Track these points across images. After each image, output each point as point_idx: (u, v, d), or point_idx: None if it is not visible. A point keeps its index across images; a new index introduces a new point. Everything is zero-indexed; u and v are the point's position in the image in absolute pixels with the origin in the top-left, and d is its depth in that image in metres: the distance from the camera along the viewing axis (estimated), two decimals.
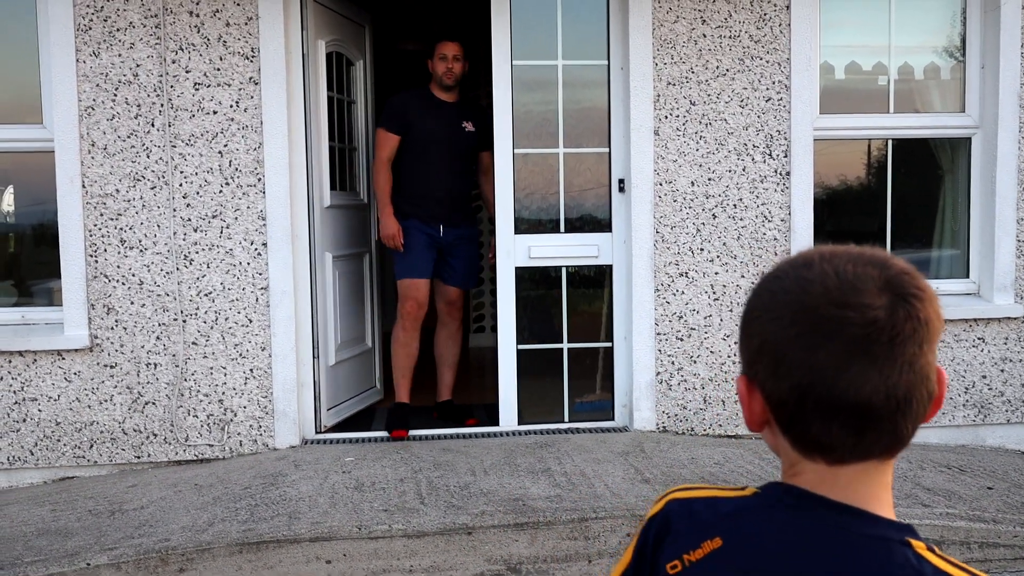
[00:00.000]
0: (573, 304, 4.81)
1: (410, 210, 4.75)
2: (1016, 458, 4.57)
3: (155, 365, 4.40)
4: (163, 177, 4.36)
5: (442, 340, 5.00)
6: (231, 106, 4.37)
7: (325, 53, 4.78)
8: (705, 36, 4.58)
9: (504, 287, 4.71)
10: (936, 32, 4.94)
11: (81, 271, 4.34)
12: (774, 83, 4.63)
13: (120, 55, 4.31)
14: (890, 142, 4.96)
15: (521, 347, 4.74)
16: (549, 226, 4.78)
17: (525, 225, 4.76)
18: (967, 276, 4.96)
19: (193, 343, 4.41)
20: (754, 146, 4.63)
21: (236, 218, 4.40)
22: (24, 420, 4.35)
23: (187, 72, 4.34)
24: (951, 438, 4.81)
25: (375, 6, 5.55)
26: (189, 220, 4.39)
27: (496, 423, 4.75)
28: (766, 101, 4.63)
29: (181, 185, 4.37)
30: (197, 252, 4.39)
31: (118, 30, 4.31)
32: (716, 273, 4.64)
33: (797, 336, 0.88)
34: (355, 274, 5.18)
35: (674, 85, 4.58)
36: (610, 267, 4.75)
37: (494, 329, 5.05)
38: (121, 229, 4.36)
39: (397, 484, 3.83)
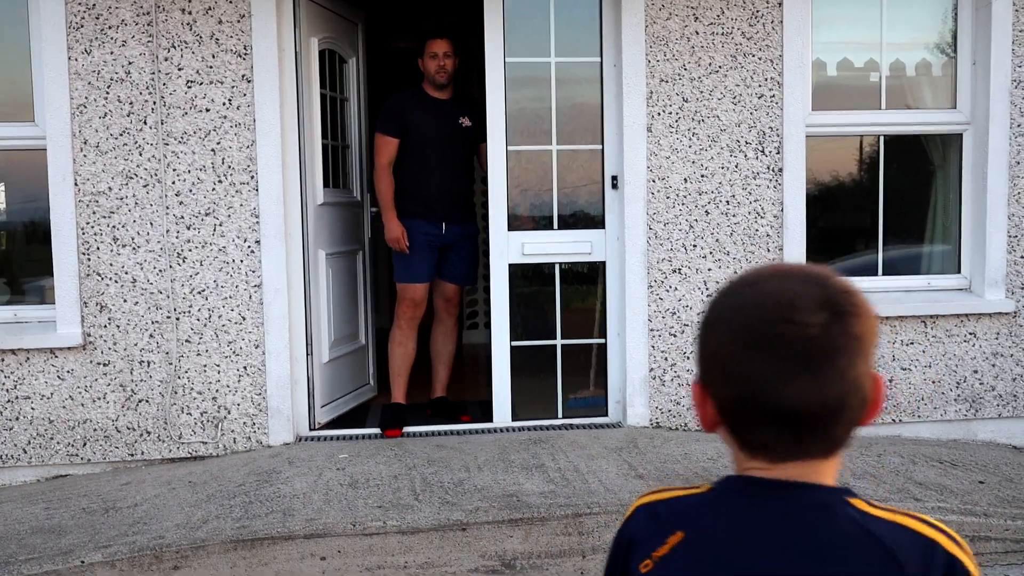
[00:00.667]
0: (567, 301, 4.82)
1: (412, 209, 4.76)
2: (1007, 452, 4.59)
3: (148, 363, 4.40)
4: (156, 175, 4.36)
5: (438, 337, 5.01)
6: (224, 104, 4.36)
7: (318, 51, 4.77)
8: (698, 33, 4.59)
9: (497, 284, 4.72)
10: (927, 28, 4.96)
11: (74, 269, 4.33)
12: (767, 80, 4.64)
13: (112, 53, 4.30)
14: (882, 138, 4.97)
15: (515, 344, 4.75)
16: (542, 223, 4.79)
17: (518, 222, 4.77)
18: (958, 271, 4.98)
19: (186, 341, 4.41)
20: (747, 143, 4.64)
21: (229, 216, 4.40)
22: (17, 418, 4.34)
23: (179, 70, 4.34)
24: (943, 433, 4.83)
25: (368, 4, 5.55)
26: (182, 218, 4.38)
27: (490, 419, 4.76)
28: (759, 98, 4.64)
29: (174, 183, 4.37)
30: (190, 250, 4.39)
31: (110, 27, 4.30)
32: (709, 269, 4.65)
33: (743, 348, 0.97)
34: (348, 271, 5.18)
35: (667, 82, 4.59)
36: (603, 264, 4.76)
37: (488, 326, 5.06)
38: (114, 227, 4.35)
39: (391, 481, 3.84)
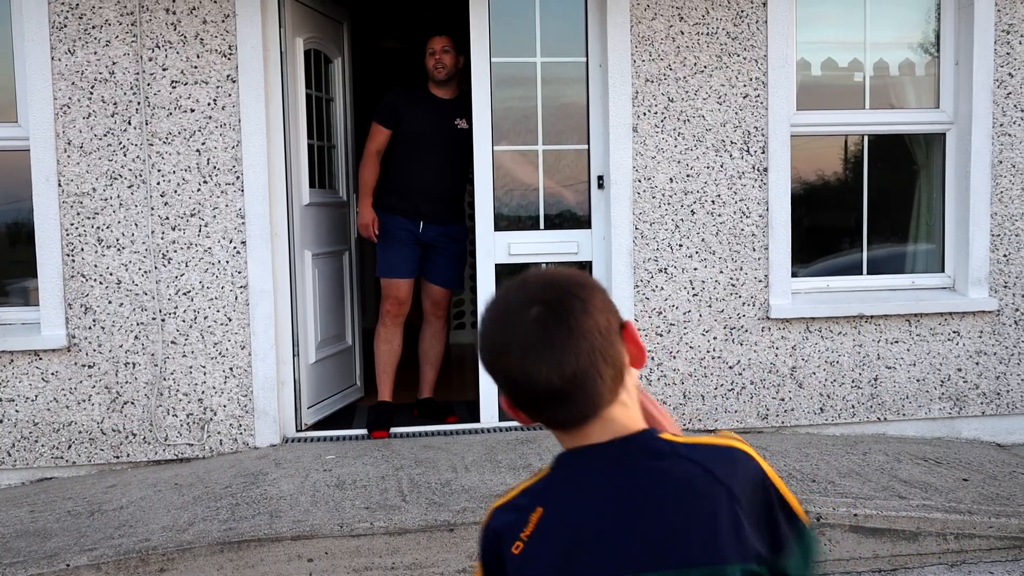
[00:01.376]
0: None
1: (394, 204, 4.77)
2: (991, 450, 4.63)
3: (134, 365, 4.38)
4: (140, 175, 4.34)
5: (426, 338, 5.01)
6: (209, 104, 4.35)
7: (303, 50, 4.76)
8: (683, 33, 4.60)
9: (484, 284, 4.72)
10: (911, 28, 4.99)
11: (58, 270, 4.31)
12: (751, 80, 4.65)
13: (96, 53, 4.28)
14: (866, 138, 5.00)
15: None
16: (528, 223, 4.79)
17: (504, 222, 4.77)
18: (942, 270, 5.01)
19: (172, 342, 4.39)
20: (732, 142, 4.66)
21: (215, 216, 4.38)
22: (1, 421, 4.31)
23: (164, 70, 4.32)
24: (927, 431, 4.86)
25: (354, 3, 5.54)
26: (167, 219, 4.36)
27: (477, 420, 4.76)
28: (743, 98, 4.65)
29: (159, 183, 4.35)
30: (175, 251, 4.37)
31: (93, 27, 4.27)
32: (695, 269, 4.67)
33: (495, 356, 1.16)
34: (335, 272, 5.17)
35: (652, 82, 4.60)
36: (589, 263, 4.77)
37: (474, 326, 5.07)
38: (98, 228, 4.33)
39: (379, 482, 3.84)
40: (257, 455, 4.34)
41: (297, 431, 4.64)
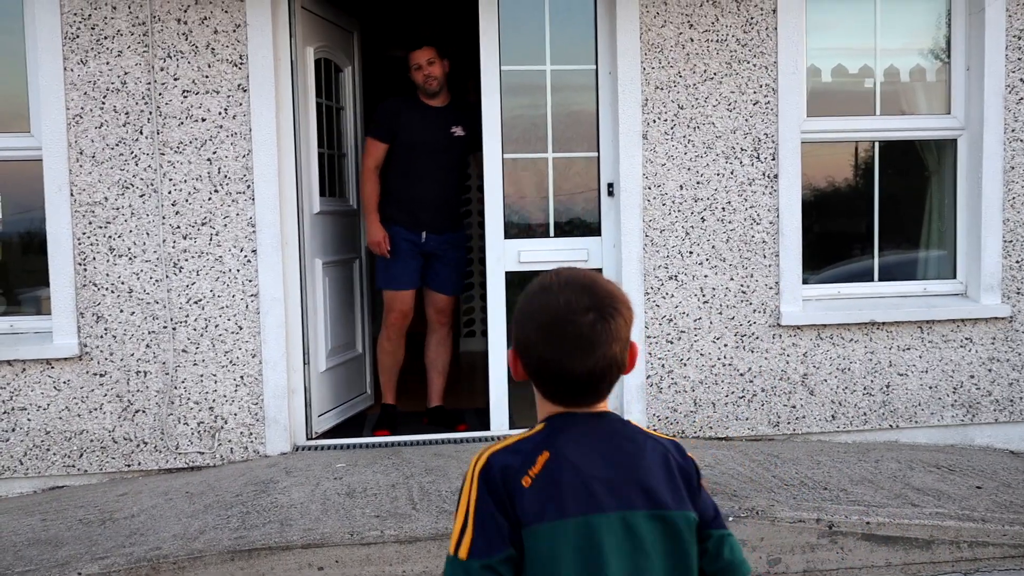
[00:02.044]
0: None
1: (395, 216, 4.80)
2: (1004, 457, 4.59)
3: (145, 373, 4.39)
4: (152, 185, 4.36)
5: (432, 347, 5.01)
6: (220, 113, 4.37)
7: (314, 60, 4.78)
8: (692, 40, 4.60)
9: (494, 292, 4.72)
10: (921, 34, 4.98)
11: (70, 279, 4.33)
12: (761, 86, 4.65)
13: (108, 63, 4.31)
14: (877, 144, 4.99)
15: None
16: (539, 230, 4.79)
17: (515, 230, 4.77)
18: (954, 277, 4.99)
19: (183, 351, 4.41)
20: (742, 149, 4.65)
21: (225, 225, 4.40)
22: (13, 430, 4.33)
23: (175, 80, 4.34)
24: (940, 438, 4.83)
25: (364, 13, 5.56)
26: (178, 227, 4.38)
27: (487, 428, 4.76)
28: (753, 104, 4.65)
29: (170, 192, 4.37)
30: (186, 259, 4.39)
31: (106, 38, 4.30)
32: (706, 276, 4.66)
33: (539, 339, 1.45)
34: (345, 280, 5.18)
35: (662, 89, 4.59)
36: (600, 271, 4.76)
37: (485, 334, 5.05)
38: (110, 237, 4.35)
39: (389, 490, 3.83)
40: (268, 463, 4.34)
41: (308, 439, 4.65)
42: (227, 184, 4.39)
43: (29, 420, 4.34)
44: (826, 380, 4.75)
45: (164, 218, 4.37)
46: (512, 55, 4.68)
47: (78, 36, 4.29)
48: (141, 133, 4.34)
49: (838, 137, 4.92)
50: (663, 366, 4.66)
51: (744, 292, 4.69)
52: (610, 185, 4.68)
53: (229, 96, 4.37)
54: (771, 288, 4.70)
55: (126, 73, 4.32)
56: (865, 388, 4.77)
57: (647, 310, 4.63)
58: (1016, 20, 4.77)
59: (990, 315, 4.81)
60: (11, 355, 4.30)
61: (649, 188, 4.61)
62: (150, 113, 4.33)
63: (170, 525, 3.57)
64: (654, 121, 4.60)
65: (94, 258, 4.35)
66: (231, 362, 4.43)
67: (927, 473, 4.15)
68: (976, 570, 3.37)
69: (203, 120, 4.36)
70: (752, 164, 4.66)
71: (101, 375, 4.37)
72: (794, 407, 4.73)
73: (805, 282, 4.82)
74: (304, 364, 4.63)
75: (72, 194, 4.32)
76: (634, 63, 4.56)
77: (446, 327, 5.01)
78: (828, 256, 5.05)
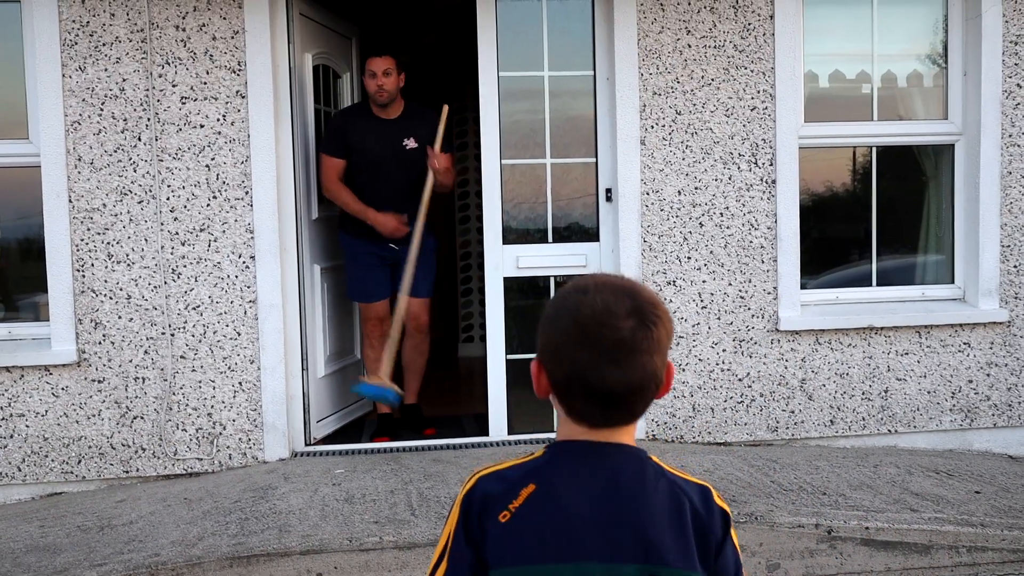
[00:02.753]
0: None
1: (358, 230, 4.69)
2: (1003, 462, 4.59)
3: (143, 379, 4.39)
4: (150, 191, 4.36)
5: (408, 351, 4.88)
6: (218, 119, 4.37)
7: (312, 66, 4.78)
8: (690, 46, 4.61)
9: (492, 297, 4.72)
10: (918, 39, 4.99)
11: (68, 286, 4.33)
12: (759, 92, 4.66)
13: (106, 69, 4.31)
14: (874, 149, 5.00)
15: (510, 357, 4.74)
16: (537, 236, 4.80)
17: (513, 235, 4.78)
18: (952, 282, 4.99)
19: (181, 357, 4.40)
20: (740, 155, 4.66)
21: (224, 231, 4.40)
22: (11, 436, 4.33)
23: (174, 86, 4.34)
24: (938, 443, 4.84)
25: (362, 19, 5.57)
26: (176, 234, 4.38)
27: (486, 433, 4.76)
28: (751, 110, 4.66)
29: (168, 199, 4.37)
30: (185, 266, 4.39)
31: (104, 44, 4.31)
32: (704, 281, 4.66)
33: (571, 342, 1.26)
34: (343, 286, 5.18)
35: (660, 95, 4.60)
36: None
37: (483, 339, 5.05)
38: (108, 243, 4.35)
39: (388, 496, 3.83)
40: (266, 469, 4.34)
41: (306, 445, 4.64)
42: (225, 190, 4.39)
43: (27, 426, 4.33)
44: (824, 385, 4.75)
45: (162, 224, 4.37)
46: (510, 61, 4.69)
47: (76, 43, 4.29)
48: (139, 139, 4.34)
49: (835, 143, 4.93)
50: None
51: (742, 297, 4.69)
52: (608, 191, 4.69)
53: (227, 102, 4.37)
54: (769, 293, 4.70)
55: (124, 80, 4.32)
56: (864, 393, 4.77)
57: None
58: (1013, 25, 4.78)
59: (988, 320, 4.81)
60: (9, 361, 4.30)
61: (647, 194, 4.61)
62: (148, 119, 4.34)
63: (168, 531, 3.57)
64: (652, 127, 4.60)
65: (92, 264, 4.35)
66: (229, 368, 4.43)
67: (926, 478, 4.15)
68: (975, 575, 3.37)
69: (201, 126, 4.36)
70: (750, 170, 4.67)
71: (99, 381, 4.37)
72: (793, 412, 4.73)
73: (803, 287, 4.82)
74: (303, 370, 4.63)
75: (70, 200, 4.32)
76: (632, 69, 4.57)
77: (422, 332, 4.86)
78: (826, 261, 5.05)
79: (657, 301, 1.30)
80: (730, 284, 4.68)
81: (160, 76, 4.33)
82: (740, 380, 4.70)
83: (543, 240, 4.78)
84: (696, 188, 4.64)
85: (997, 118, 4.78)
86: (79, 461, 4.36)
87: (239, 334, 4.43)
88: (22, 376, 4.33)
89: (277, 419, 4.46)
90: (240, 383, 4.43)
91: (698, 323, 4.67)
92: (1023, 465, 4.55)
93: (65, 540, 3.59)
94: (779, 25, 4.64)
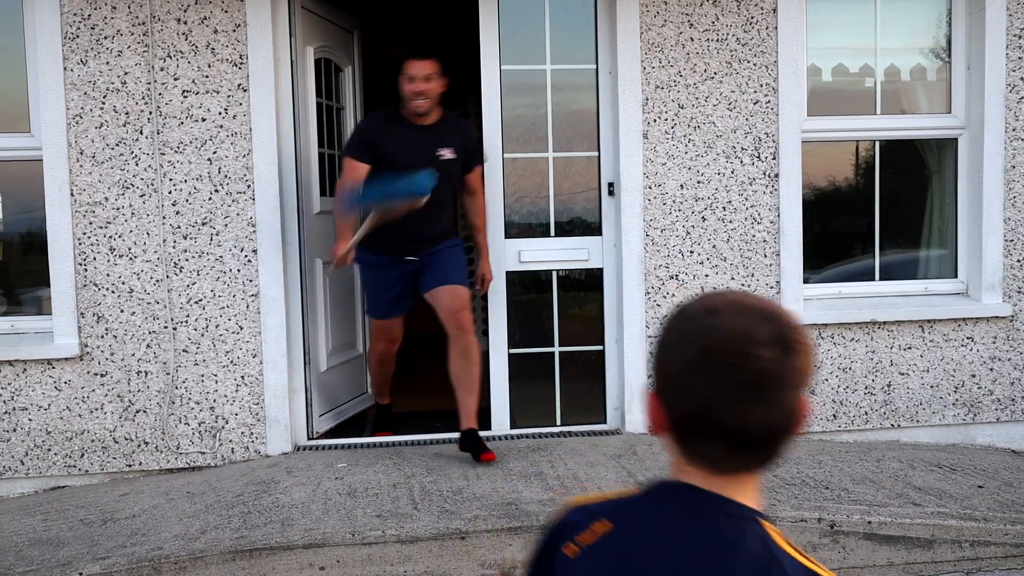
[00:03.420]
0: (564, 308, 4.82)
1: (375, 246, 4.27)
2: (1006, 456, 4.59)
3: (146, 373, 4.39)
4: (152, 185, 4.35)
5: (455, 359, 4.20)
6: (220, 113, 4.36)
7: (314, 59, 4.78)
8: (692, 40, 4.60)
9: (495, 291, 4.72)
10: (922, 33, 4.97)
11: (70, 279, 4.33)
12: (762, 86, 4.64)
13: (108, 63, 4.30)
14: (877, 143, 4.98)
15: (512, 351, 4.74)
16: (539, 230, 4.79)
17: (515, 229, 4.77)
18: (955, 276, 4.98)
19: (184, 351, 4.40)
20: (743, 148, 4.65)
21: (226, 225, 4.40)
22: (15, 430, 4.33)
23: (175, 79, 4.34)
24: (941, 437, 4.83)
25: (364, 12, 5.56)
26: (179, 227, 4.38)
27: (488, 427, 4.75)
28: (754, 104, 4.65)
29: (170, 192, 4.37)
30: (187, 259, 4.39)
31: (105, 38, 4.30)
32: (706, 275, 4.65)
33: (700, 372, 1.07)
34: (345, 280, 5.18)
35: (662, 88, 4.59)
36: (600, 270, 4.76)
37: (485, 333, 5.06)
38: (110, 237, 4.35)
39: (390, 490, 3.83)
40: (269, 463, 4.34)
41: (309, 439, 4.64)
42: (227, 184, 4.39)
43: (30, 420, 4.34)
44: (827, 379, 4.75)
45: (164, 218, 4.37)
46: (512, 55, 4.68)
47: (78, 36, 4.28)
48: (141, 133, 4.33)
49: (839, 136, 4.92)
50: None
51: (745, 291, 4.67)
52: (611, 184, 4.68)
53: (229, 96, 4.36)
54: (772, 287, 4.70)
55: (126, 73, 4.31)
56: (866, 387, 4.77)
57: (648, 310, 4.63)
58: (1016, 19, 4.76)
59: (991, 314, 4.80)
60: (12, 355, 4.30)
61: (650, 187, 4.60)
62: (150, 113, 4.33)
63: (171, 525, 3.57)
64: (654, 120, 4.59)
65: (94, 258, 4.34)
66: (232, 362, 4.43)
67: (929, 472, 4.15)
68: (978, 569, 3.37)
69: (203, 120, 4.36)
70: (753, 163, 4.66)
71: (102, 375, 4.37)
72: None
73: (806, 281, 4.81)
74: (305, 364, 4.63)
75: (72, 194, 4.32)
76: (634, 62, 4.56)
77: (467, 332, 4.21)
78: (829, 255, 5.04)
79: (799, 325, 1.11)
80: (732, 278, 4.67)
81: (162, 69, 4.33)
82: None
83: (545, 234, 4.78)
84: (699, 182, 4.63)
85: (1001, 112, 4.77)
86: (82, 455, 4.36)
87: (241, 328, 4.42)
88: (25, 370, 4.33)
89: (279, 413, 4.46)
90: (242, 377, 4.43)
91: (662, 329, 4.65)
92: None
93: (68, 533, 3.59)
94: (782, 18, 4.62)
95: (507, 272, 4.72)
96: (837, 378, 4.75)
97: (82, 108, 4.30)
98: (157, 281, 4.37)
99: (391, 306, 4.43)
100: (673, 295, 4.64)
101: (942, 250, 5.07)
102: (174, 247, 4.38)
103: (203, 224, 4.39)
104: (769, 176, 4.67)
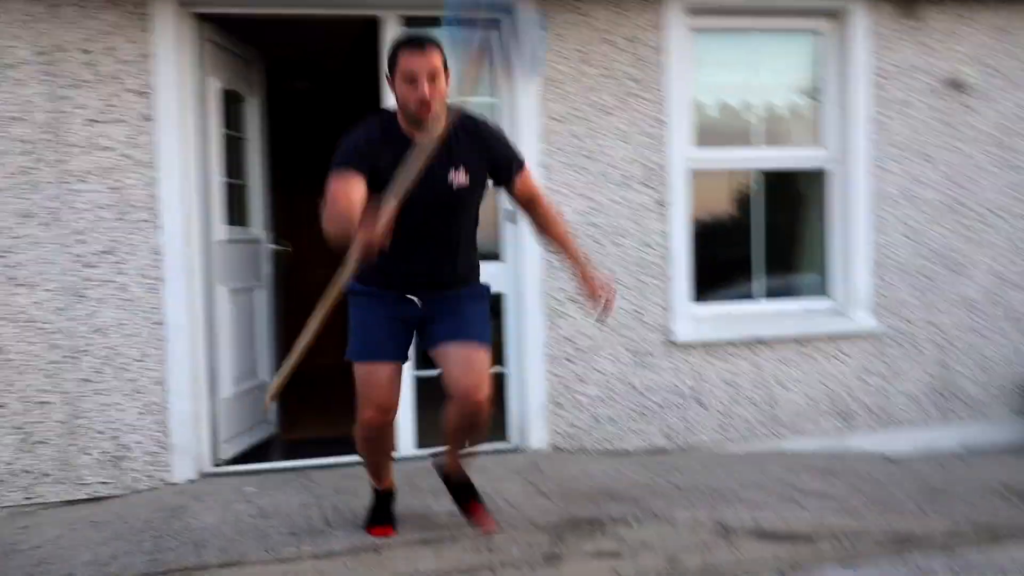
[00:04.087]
0: None
1: (374, 279, 3.26)
2: (879, 461, 4.96)
3: (46, 404, 4.33)
4: (55, 213, 4.33)
5: (452, 415, 3.30)
6: (124, 142, 4.38)
7: (219, 90, 4.84)
8: (588, 76, 4.87)
9: None
10: (797, 72, 5.38)
11: None
12: (652, 119, 4.94)
13: (10, 92, 4.28)
14: (758, 173, 5.35)
15: (418, 374, 4.86)
16: None
17: None
18: (830, 296, 5.37)
19: (86, 380, 4.37)
20: (634, 178, 4.93)
21: (130, 253, 4.40)
22: None
23: (80, 109, 4.34)
24: (821, 446, 5.18)
25: (267, 45, 5.65)
26: (81, 256, 4.36)
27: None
28: (645, 136, 4.94)
29: (74, 221, 4.35)
30: (90, 288, 4.37)
31: (7, 66, 4.27)
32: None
33: None
34: (247, 308, 5.22)
35: (560, 121, 4.84)
36: (503, 295, 4.94)
37: None
38: (9, 267, 4.30)
39: (301, 509, 3.89)
40: (175, 491, 4.33)
41: (214, 466, 4.65)
42: (132, 212, 4.40)
43: None
44: (715, 394, 5.04)
45: (67, 247, 4.34)
46: None
47: None
48: (44, 162, 4.31)
49: (723, 166, 5.28)
50: (564, 385, 4.86)
51: (639, 312, 4.94)
52: (511, 212, 4.88)
53: (134, 125, 4.39)
54: (663, 308, 4.97)
55: (28, 102, 4.30)
56: (752, 401, 5.08)
57: (548, 331, 4.84)
58: (878, 59, 5.22)
59: (862, 331, 5.20)
60: None
61: None
62: (53, 142, 4.32)
63: (79, 553, 3.55)
64: (554, 152, 4.83)
65: None
66: (136, 390, 4.42)
67: (811, 477, 4.46)
68: (854, 558, 3.65)
69: (108, 149, 4.37)
70: (644, 192, 4.94)
71: (0, 407, 4.29)
72: (687, 420, 5.00)
73: (695, 302, 5.11)
74: (209, 391, 4.64)
75: None
76: (533, 96, 4.79)
77: (482, 419, 3.25)
78: (717, 278, 5.36)
79: None
80: (627, 300, 4.92)
81: (66, 99, 4.33)
82: (638, 391, 4.94)
83: None
84: (594, 209, 4.88)
85: (866, 144, 5.20)
86: None
87: (146, 356, 4.42)
88: None
89: (184, 440, 4.46)
90: (146, 405, 4.42)
91: (598, 338, 4.89)
92: (897, 464, 4.92)
93: None
94: (670, 57, 4.94)
95: None
96: (725, 393, 5.05)
97: None
98: (59, 310, 4.34)
99: (385, 340, 3.26)
100: (572, 316, 4.85)
101: (818, 272, 5.45)
102: (77, 276, 4.35)
103: (107, 252, 4.38)
104: (659, 204, 4.96)
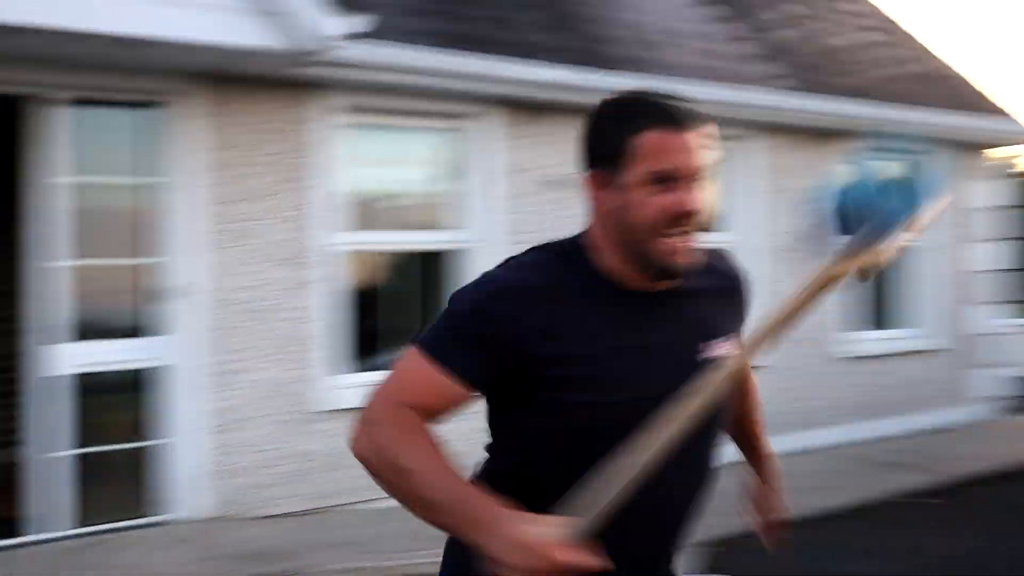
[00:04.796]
0: (124, 406, 5.05)
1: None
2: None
3: None
4: None
5: None
6: None
7: None
8: (255, 162, 5.23)
9: (52, 396, 4.80)
10: (444, 161, 6.06)
11: None
12: (307, 203, 5.38)
13: None
14: (407, 253, 5.97)
15: (76, 452, 4.81)
16: (106, 332, 4.99)
17: (81, 332, 4.87)
18: None
19: None
20: (293, 257, 5.32)
21: None
22: None
23: None
24: None
25: None
26: None
27: (54, 529, 4.77)
28: (300, 219, 5.36)
29: None
30: None
31: None
32: (264, 368, 5.21)
33: None
34: None
35: (226, 203, 5.13)
36: (164, 368, 5.04)
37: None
38: None
39: None
40: None
41: None
42: None
43: None
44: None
45: None
46: (85, 166, 4.87)
47: None
48: None
49: (371, 248, 5.84)
50: (224, 454, 5.09)
51: (293, 383, 5.31)
52: (174, 288, 5.03)
53: None
54: (315, 379, 5.37)
55: None
56: None
57: (210, 402, 5.06)
58: (510, 156, 6.03)
59: None
60: None
61: (213, 291, 5.08)
62: None
63: None
64: (219, 231, 5.11)
65: None
66: None
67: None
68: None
69: None
70: (303, 270, 5.35)
71: None
72: (337, 481, 5.31)
73: (350, 372, 5.54)
74: None
75: None
76: (202, 178, 5.07)
77: None
78: (368, 349, 5.84)
79: None
80: (287, 370, 5.27)
81: None
82: (292, 457, 5.27)
83: (111, 336, 5.00)
84: (254, 286, 5.21)
85: (504, 225, 5.95)
86: None
87: None
88: None
89: None
90: None
91: (257, 407, 5.19)
92: None
93: None
94: (323, 149, 5.43)
95: (66, 375, 4.80)
96: None
97: None
98: None
99: None
100: (231, 388, 5.11)
101: None
102: None
103: None
104: (310, 281, 5.38)
